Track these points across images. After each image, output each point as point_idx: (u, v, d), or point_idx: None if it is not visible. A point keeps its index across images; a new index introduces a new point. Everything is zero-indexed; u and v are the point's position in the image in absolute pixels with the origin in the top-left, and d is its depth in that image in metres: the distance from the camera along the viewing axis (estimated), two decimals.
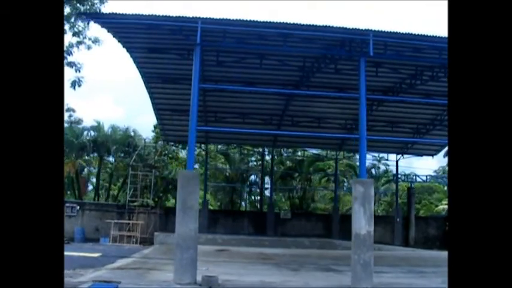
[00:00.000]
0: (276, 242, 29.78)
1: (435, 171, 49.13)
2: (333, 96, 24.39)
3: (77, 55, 18.66)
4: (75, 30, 19.15)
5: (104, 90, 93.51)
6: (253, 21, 13.04)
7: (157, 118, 30.82)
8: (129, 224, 30.66)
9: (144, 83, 24.35)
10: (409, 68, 20.90)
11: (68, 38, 18.69)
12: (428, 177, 39.08)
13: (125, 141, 34.52)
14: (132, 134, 35.94)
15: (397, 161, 35.11)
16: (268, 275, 15.53)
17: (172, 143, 37.27)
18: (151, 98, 26.42)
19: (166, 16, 12.85)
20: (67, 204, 31.65)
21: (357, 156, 38.24)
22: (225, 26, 13.22)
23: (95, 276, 13.31)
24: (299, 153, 38.65)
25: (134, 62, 21.03)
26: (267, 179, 38.15)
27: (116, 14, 12.77)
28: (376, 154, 40.00)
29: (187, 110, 28.82)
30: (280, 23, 13.06)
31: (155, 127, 45.38)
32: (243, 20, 13.01)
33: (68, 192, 36.42)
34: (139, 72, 22.45)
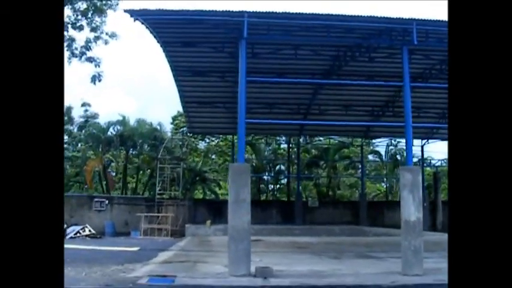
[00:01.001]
0: (306, 230, 29.95)
1: None
2: (361, 84, 24.44)
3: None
4: (93, 25, 19.36)
5: (114, 84, 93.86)
6: (297, 13, 13.11)
7: (184, 111, 31.03)
8: (158, 216, 30.95)
9: (174, 76, 24.53)
10: (439, 54, 20.85)
11: (86, 33, 18.93)
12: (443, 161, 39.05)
13: (151, 135, 34.74)
14: (158, 127, 36.18)
15: (422, 146, 35.10)
16: (313, 263, 15.66)
17: (193, 135, 37.55)
18: (179, 90, 26.59)
19: (211, 11, 12.95)
20: (96, 199, 32.06)
21: (379, 142, 38.39)
22: (269, 19, 13.28)
23: (148, 271, 13.51)
24: (323, 141, 38.63)
25: (166, 56, 21.19)
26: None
27: (161, 10, 12.93)
28: (394, 140, 39.81)
29: (214, 102, 29.35)
30: (322, 14, 13.13)
31: (173, 119, 45.77)
32: (286, 13, 13.07)
33: (96, 187, 36.82)
34: (170, 65, 22.61)
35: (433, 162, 38.99)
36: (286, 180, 38.66)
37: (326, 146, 37.73)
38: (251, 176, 40.07)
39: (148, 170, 36.08)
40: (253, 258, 13.46)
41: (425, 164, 37.19)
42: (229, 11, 12.86)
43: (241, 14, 12.79)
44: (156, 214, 30.99)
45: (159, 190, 31.87)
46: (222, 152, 44.13)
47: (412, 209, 13.25)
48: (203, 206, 34.02)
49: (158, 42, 18.79)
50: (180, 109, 45.53)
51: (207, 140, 44.42)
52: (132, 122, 35.87)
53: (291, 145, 37.13)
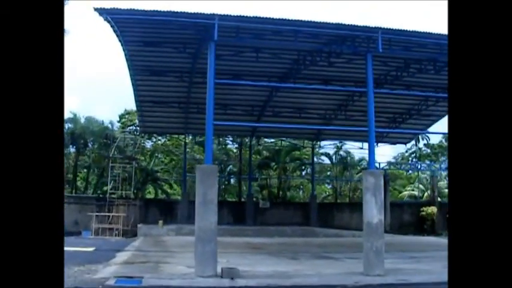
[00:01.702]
0: (258, 231, 30.19)
1: (394, 157, 50.63)
2: (317, 88, 24.92)
3: None
4: None
5: None
6: (267, 18, 13.29)
7: (138, 110, 30.72)
8: (109, 216, 30.52)
9: (131, 75, 24.31)
10: (396, 61, 21.52)
11: None
12: (390, 163, 40.26)
13: (102, 133, 34.18)
14: (109, 126, 35.61)
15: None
16: (274, 264, 15.90)
17: (141, 134, 37.23)
18: (134, 89, 26.35)
19: (181, 12, 12.96)
20: None
21: (328, 145, 39.15)
22: (239, 23, 13.41)
23: (112, 272, 13.38)
24: (274, 142, 39.07)
25: (126, 55, 20.99)
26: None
27: (132, 10, 12.82)
28: (338, 142, 40.57)
29: (169, 102, 29.13)
30: (292, 20, 13.38)
31: (120, 117, 45.13)
32: (256, 17, 13.23)
33: None
34: (128, 64, 22.40)
35: (382, 165, 40.01)
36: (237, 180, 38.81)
37: (277, 147, 38.12)
38: None
39: (98, 169, 35.41)
40: (220, 259, 13.57)
41: (377, 167, 38.09)
42: (199, 13, 12.93)
43: (211, 16, 12.86)
44: (107, 213, 30.53)
45: (111, 189, 31.41)
46: (169, 152, 43.80)
47: (374, 212, 13.67)
48: (154, 206, 33.78)
49: (120, 41, 18.59)
50: (128, 107, 45.15)
51: (154, 140, 44.03)
52: (82, 120, 35.16)
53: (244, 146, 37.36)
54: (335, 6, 58.29)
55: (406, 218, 36.28)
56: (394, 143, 37.09)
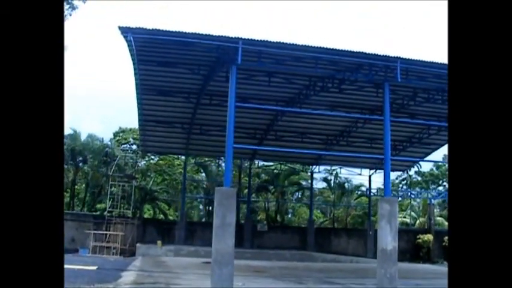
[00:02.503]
0: (257, 254, 30.08)
1: (383, 185, 50.52)
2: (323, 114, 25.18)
3: None
4: None
5: None
6: (289, 44, 13.50)
7: (140, 129, 30.68)
8: (106, 234, 30.31)
9: (138, 94, 24.39)
10: (406, 89, 21.75)
11: None
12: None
13: (102, 151, 34.09)
14: (109, 143, 35.54)
15: (369, 176, 36.23)
16: None
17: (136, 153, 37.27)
18: (139, 108, 26.33)
19: (207, 35, 13.11)
20: None
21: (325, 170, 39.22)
22: (262, 47, 13.59)
23: None
24: (273, 166, 39.15)
25: (135, 74, 21.10)
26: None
27: (158, 30, 12.94)
28: (328, 167, 40.66)
29: (172, 122, 29.15)
30: (315, 47, 13.59)
31: (115, 135, 45.04)
32: (279, 43, 13.43)
33: None
34: (136, 83, 22.48)
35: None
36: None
37: (276, 171, 38.22)
38: (202, 197, 40.13)
39: (96, 187, 35.22)
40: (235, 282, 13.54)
41: (375, 193, 38.29)
42: (224, 36, 13.08)
43: (236, 40, 13.02)
44: (105, 232, 30.31)
45: (109, 208, 31.24)
46: (162, 171, 43.58)
47: (389, 239, 13.78)
48: (152, 226, 33.58)
49: (133, 60, 18.71)
50: (123, 125, 45.23)
51: (146, 159, 43.88)
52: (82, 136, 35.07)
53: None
54: (335, 6, 58.95)
55: (402, 245, 36.05)
56: (393, 170, 37.30)
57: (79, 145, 33.86)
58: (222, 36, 13.06)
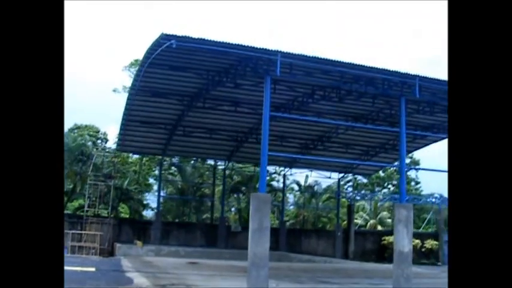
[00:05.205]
0: (235, 254, 30.50)
1: (328, 186, 51.37)
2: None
3: None
4: None
5: None
6: (322, 59, 14.25)
7: (121, 129, 30.56)
8: (81, 234, 30.12)
9: (130, 94, 24.60)
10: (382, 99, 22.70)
11: None
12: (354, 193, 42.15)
13: (78, 150, 33.70)
14: (86, 142, 35.12)
15: (339, 180, 37.58)
16: None
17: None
18: (126, 108, 26.35)
19: (248, 46, 13.65)
20: None
21: (298, 173, 40.20)
22: (295, 60, 14.30)
23: None
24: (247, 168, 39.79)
25: (138, 75, 21.35)
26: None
27: (201, 39, 13.33)
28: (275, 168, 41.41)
29: (156, 123, 29.20)
30: (346, 63, 14.44)
31: (70, 131, 44.21)
32: (313, 57, 14.18)
33: None
34: (135, 84, 22.70)
35: (348, 195, 41.70)
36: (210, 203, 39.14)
37: (249, 173, 38.87)
38: (176, 197, 40.22)
39: (71, 186, 34.80)
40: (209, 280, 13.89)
41: (341, 196, 39.65)
42: (263, 49, 13.68)
43: (275, 53, 13.65)
44: (82, 232, 30.10)
45: (85, 207, 31.05)
46: (134, 172, 43.46)
47: (406, 241, 14.80)
48: (128, 225, 33.56)
49: (143, 64, 19.00)
50: (78, 122, 44.88)
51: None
52: None
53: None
54: (335, 6, 60.09)
55: (368, 246, 37.97)
56: (362, 174, 38.88)
57: None
58: (262, 48, 13.65)
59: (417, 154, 37.18)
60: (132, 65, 43.59)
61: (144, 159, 42.46)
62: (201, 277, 18.81)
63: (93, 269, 20.44)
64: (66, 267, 19.44)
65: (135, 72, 43.21)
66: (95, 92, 77.67)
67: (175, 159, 37.49)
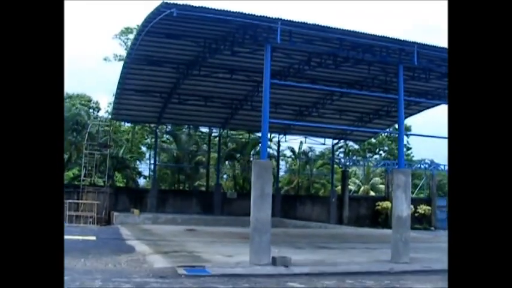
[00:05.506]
0: (231, 221, 30.92)
1: (321, 152, 51.63)
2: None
3: None
4: None
5: None
6: (321, 26, 14.21)
7: (116, 97, 30.56)
8: (78, 204, 30.30)
9: (126, 63, 24.49)
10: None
11: None
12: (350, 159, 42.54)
13: (72, 119, 33.62)
14: (80, 111, 35.00)
15: (333, 146, 37.87)
16: (295, 253, 16.62)
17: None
18: (122, 77, 26.27)
19: (249, 14, 13.59)
20: None
21: (292, 139, 40.38)
22: (298, 28, 14.29)
23: (163, 262, 13.64)
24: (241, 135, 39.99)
25: (134, 44, 21.21)
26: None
27: (203, 8, 13.25)
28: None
29: (151, 91, 29.18)
30: (338, 29, 14.46)
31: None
32: (313, 25, 14.14)
33: None
34: (130, 53, 22.57)
35: (341, 161, 42.03)
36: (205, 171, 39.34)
37: (244, 140, 39.06)
38: (172, 165, 40.42)
39: (67, 156, 34.79)
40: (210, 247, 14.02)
41: (337, 162, 40.02)
42: (265, 17, 13.64)
43: (275, 20, 13.62)
44: (79, 201, 30.28)
45: (84, 177, 31.16)
46: (127, 140, 43.52)
47: (404, 206, 15.05)
48: (124, 194, 33.79)
49: (140, 32, 18.88)
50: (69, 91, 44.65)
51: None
52: None
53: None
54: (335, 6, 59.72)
55: (362, 212, 38.51)
56: (356, 141, 39.15)
57: None
58: (262, 16, 13.61)
59: (408, 120, 37.34)
60: (123, 33, 43.27)
61: (137, 127, 42.56)
62: (201, 244, 19.01)
63: (93, 238, 20.71)
64: (67, 237, 19.78)
65: (125, 40, 43.70)
66: (82, 61, 76.79)
67: (169, 128, 37.40)
